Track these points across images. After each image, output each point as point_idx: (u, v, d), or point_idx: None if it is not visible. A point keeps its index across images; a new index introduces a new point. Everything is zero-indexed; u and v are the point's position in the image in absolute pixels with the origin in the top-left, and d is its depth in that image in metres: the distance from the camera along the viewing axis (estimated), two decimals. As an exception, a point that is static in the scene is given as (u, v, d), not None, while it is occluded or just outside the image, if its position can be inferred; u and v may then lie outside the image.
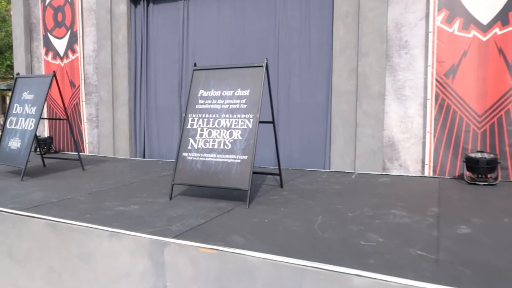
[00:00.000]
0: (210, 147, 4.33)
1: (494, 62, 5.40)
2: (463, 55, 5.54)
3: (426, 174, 5.84)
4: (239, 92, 4.37)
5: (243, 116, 4.27)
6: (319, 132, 6.58)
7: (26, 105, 5.85)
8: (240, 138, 4.22)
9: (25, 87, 6.01)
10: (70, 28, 8.49)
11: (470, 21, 5.49)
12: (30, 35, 9.24)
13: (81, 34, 8.44)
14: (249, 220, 3.55)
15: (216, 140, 4.32)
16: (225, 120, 4.34)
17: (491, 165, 5.06)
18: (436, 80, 5.69)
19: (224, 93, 4.44)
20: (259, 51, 6.88)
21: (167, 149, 7.83)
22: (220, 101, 4.43)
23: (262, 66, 4.35)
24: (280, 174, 4.95)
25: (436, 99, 5.72)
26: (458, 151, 5.66)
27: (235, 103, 4.35)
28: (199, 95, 4.57)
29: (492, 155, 5.14)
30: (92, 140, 8.75)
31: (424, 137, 5.88)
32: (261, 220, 3.57)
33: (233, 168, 4.15)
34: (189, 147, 4.42)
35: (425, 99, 5.83)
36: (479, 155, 5.11)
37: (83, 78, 8.59)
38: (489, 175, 5.14)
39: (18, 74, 6.65)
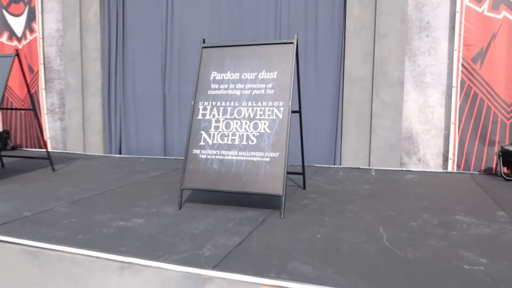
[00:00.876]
0: (230, 142, 3.48)
1: (527, 46, 4.94)
2: (492, 38, 5.03)
3: (449, 169, 5.31)
4: (263, 75, 3.55)
5: (270, 104, 3.46)
6: (327, 123, 5.88)
7: (-20, 92, 4.68)
8: (268, 131, 3.42)
9: (-23, 69, 4.83)
10: (28, 3, 7.22)
11: (500, 0, 4.97)
12: (-23, 11, 7.82)
13: (39, 10, 7.20)
14: (297, 237, 2.77)
15: (237, 133, 3.49)
16: (247, 109, 3.51)
17: (531, 160, 4.61)
18: (463, 65, 5.14)
19: (244, 75, 3.60)
20: (257, 31, 6.06)
21: (148, 144, 6.85)
22: (239, 85, 3.59)
23: (292, 43, 3.55)
24: (303, 174, 4.20)
25: (462, 87, 5.18)
26: (484, 144, 5.17)
27: (260, 88, 3.52)
28: (211, 78, 3.69)
29: (529, 148, 4.68)
30: (54, 135, 7.57)
31: (447, 129, 5.35)
32: (311, 235, 2.80)
33: (261, 169, 3.34)
34: (202, 143, 3.55)
35: (449, 86, 5.29)
36: (518, 148, 4.63)
37: (42, 62, 7.38)
38: (524, 170, 4.68)
39: (-35, 54, 5.42)
